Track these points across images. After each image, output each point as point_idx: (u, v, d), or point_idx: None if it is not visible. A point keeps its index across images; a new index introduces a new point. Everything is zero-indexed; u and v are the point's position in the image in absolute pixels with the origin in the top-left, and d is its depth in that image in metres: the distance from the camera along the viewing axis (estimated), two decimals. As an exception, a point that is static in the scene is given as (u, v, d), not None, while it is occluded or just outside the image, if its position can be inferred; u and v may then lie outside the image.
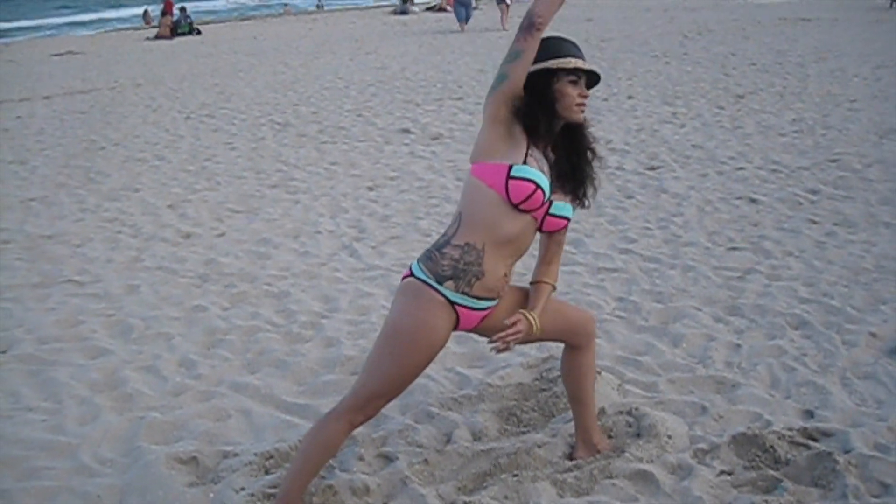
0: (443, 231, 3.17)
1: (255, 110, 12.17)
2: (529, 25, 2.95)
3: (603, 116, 10.41)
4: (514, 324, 3.06)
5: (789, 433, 3.58)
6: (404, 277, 3.13)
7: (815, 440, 3.56)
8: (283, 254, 6.35)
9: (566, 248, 5.02)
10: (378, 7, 35.84)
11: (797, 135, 9.17)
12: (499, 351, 3.07)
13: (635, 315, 5.01)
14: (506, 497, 3.24)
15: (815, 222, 6.48)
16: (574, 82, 3.06)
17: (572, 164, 3.18)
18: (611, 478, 3.35)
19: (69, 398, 4.28)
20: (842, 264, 5.64)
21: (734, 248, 6.02)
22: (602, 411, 3.76)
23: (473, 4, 22.99)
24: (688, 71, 13.68)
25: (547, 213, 3.10)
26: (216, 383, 4.40)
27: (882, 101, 10.62)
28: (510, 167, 2.97)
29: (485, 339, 3.32)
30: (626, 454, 3.46)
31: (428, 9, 29.93)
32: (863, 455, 3.38)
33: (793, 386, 4.11)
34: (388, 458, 3.59)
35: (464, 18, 22.30)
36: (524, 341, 3.18)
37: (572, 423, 3.58)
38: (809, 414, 3.84)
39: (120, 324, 5.19)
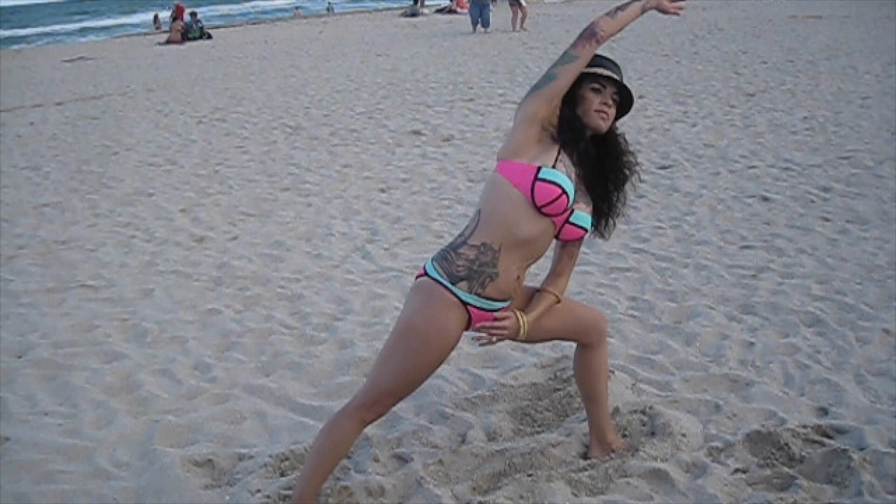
0: (456, 232, 3.19)
1: (267, 114, 12.19)
2: (591, 35, 3.02)
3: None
4: (501, 319, 3.10)
5: (804, 430, 3.58)
6: (418, 276, 3.15)
7: (829, 437, 3.56)
8: (296, 256, 6.37)
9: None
10: (388, 9, 35.89)
11: (809, 132, 9.14)
12: (481, 343, 3.14)
13: (648, 314, 5.01)
14: (521, 497, 3.25)
15: (827, 220, 6.46)
16: (596, 90, 3.09)
17: (603, 181, 3.21)
18: (625, 476, 3.35)
19: (84, 402, 4.31)
20: (855, 261, 5.62)
21: (747, 247, 6.01)
22: (616, 410, 3.77)
23: (490, 7, 22.37)
24: (698, 69, 13.64)
25: (567, 220, 3.12)
26: (231, 386, 4.42)
27: (894, 98, 10.56)
28: (539, 168, 2.99)
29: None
30: (641, 453, 3.47)
31: (437, 11, 29.92)
32: (878, 452, 3.37)
33: (807, 383, 4.10)
34: (403, 459, 3.60)
35: (478, 20, 21.73)
36: (516, 341, 3.23)
37: (586, 423, 3.58)
38: (824, 411, 3.83)
39: (134, 328, 5.21)
